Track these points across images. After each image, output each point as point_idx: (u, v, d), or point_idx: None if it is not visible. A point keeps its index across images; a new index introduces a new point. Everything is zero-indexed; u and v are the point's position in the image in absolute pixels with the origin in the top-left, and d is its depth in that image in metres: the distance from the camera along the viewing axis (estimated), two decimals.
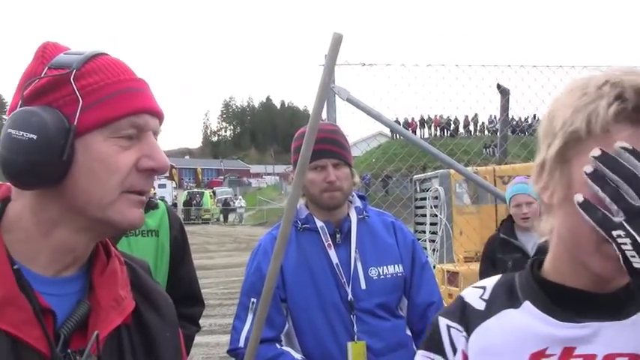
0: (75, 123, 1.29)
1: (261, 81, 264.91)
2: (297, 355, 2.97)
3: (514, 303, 1.43)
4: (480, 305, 1.48)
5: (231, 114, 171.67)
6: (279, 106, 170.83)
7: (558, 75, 6.30)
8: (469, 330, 1.46)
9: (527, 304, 1.41)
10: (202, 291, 3.56)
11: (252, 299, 3.04)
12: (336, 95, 4.71)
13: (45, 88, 1.32)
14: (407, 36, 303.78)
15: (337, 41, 3.12)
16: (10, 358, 1.25)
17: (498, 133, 10.26)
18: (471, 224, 8.59)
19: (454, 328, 1.48)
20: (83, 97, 1.30)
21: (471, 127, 45.06)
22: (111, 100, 1.33)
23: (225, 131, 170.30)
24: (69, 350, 1.33)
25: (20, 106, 1.31)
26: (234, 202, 55.15)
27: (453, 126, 39.43)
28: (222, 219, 53.70)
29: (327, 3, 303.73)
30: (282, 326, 3.03)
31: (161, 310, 1.56)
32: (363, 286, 3.01)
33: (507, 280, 1.51)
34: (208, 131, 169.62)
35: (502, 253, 5.52)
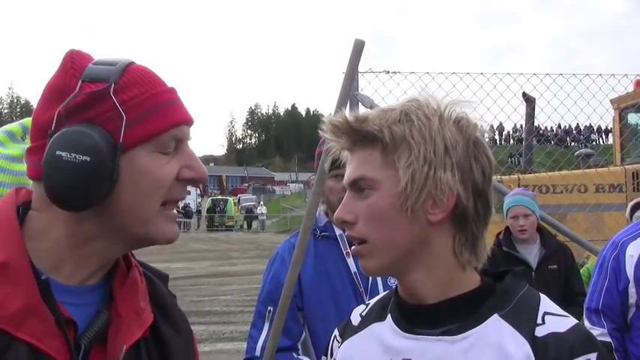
0: (121, 140, 1.28)
1: (286, 88, 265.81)
2: None
3: (382, 316, 1.58)
4: (357, 321, 1.67)
5: (256, 121, 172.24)
6: (304, 114, 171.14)
7: (585, 83, 6.23)
8: (343, 342, 1.66)
9: (388, 317, 1.55)
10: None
11: (269, 307, 3.02)
12: (360, 103, 4.66)
13: (84, 103, 1.29)
14: (432, 44, 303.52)
15: (359, 48, 3.10)
16: None
17: (523, 142, 10.17)
18: (496, 233, 8.51)
19: (336, 338, 1.70)
20: (126, 113, 1.29)
21: (496, 136, 44.86)
22: (153, 114, 1.32)
23: (250, 139, 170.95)
24: None
25: (57, 122, 1.28)
26: (257, 209, 55.20)
27: None
28: (245, 226, 53.82)
29: (354, 11, 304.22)
30: (299, 335, 3.00)
31: (177, 324, 1.54)
32: None
33: (389, 295, 1.64)
34: (233, 139, 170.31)
35: (505, 266, 5.38)
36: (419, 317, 1.48)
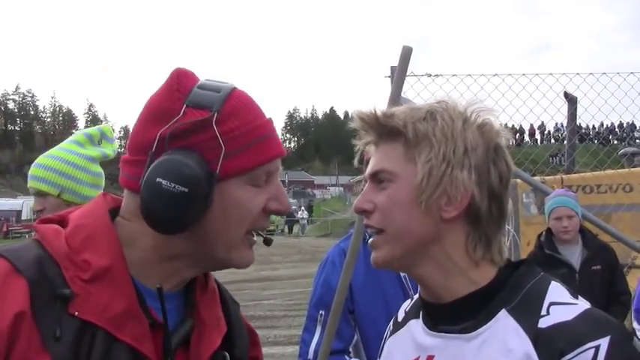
0: (217, 171, 1.32)
1: (324, 92, 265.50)
2: None
3: (418, 314, 1.63)
4: (401, 316, 1.73)
5: (295, 125, 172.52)
6: (342, 117, 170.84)
7: (629, 82, 6.16)
8: (390, 337, 1.73)
9: (421, 314, 1.60)
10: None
11: (321, 312, 3.06)
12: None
13: (187, 131, 1.33)
14: (473, 46, 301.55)
15: (407, 54, 3.12)
16: None
17: (566, 142, 10.07)
18: (537, 235, 8.45)
19: (386, 334, 1.76)
20: (225, 144, 1.32)
21: (537, 136, 44.29)
22: (251, 148, 1.36)
23: (290, 143, 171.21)
24: None
25: (158, 144, 1.32)
26: (297, 214, 55.20)
27: (518, 135, 38.71)
28: (286, 230, 53.89)
29: (391, 14, 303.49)
30: (351, 338, 3.03)
31: (242, 333, 1.59)
32: None
33: None
34: None
35: (547, 269, 5.29)
36: (439, 315, 1.52)
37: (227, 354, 1.45)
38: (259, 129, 1.39)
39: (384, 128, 1.51)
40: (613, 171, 8.67)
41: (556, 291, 1.47)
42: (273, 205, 1.41)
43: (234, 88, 1.42)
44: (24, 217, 45.27)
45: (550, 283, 1.50)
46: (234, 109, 1.37)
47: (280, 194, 1.43)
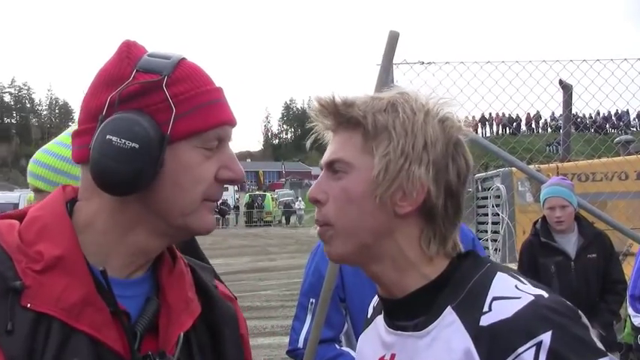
0: (169, 132, 1.31)
1: (321, 82, 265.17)
2: None
3: (382, 309, 1.58)
4: (369, 313, 1.71)
5: (291, 116, 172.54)
6: None
7: (623, 68, 6.14)
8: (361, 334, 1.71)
9: (384, 310, 1.56)
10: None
11: (311, 300, 3.04)
12: None
13: (137, 92, 1.32)
14: (466, 33, 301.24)
15: (393, 39, 3.10)
16: (92, 359, 1.26)
17: (561, 130, 10.06)
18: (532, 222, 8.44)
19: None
20: (175, 106, 1.31)
21: (533, 124, 44.33)
22: (200, 111, 1.35)
23: (286, 133, 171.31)
24: (149, 352, 1.33)
25: (109, 107, 1.31)
26: (294, 204, 55.35)
27: (514, 124, 38.72)
28: (283, 221, 53.98)
29: (388, 2, 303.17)
30: (342, 326, 3.01)
31: (220, 308, 1.55)
32: None
33: None
34: (269, 134, 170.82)
35: (544, 257, 5.39)
36: (395, 312, 1.50)
37: (182, 334, 1.40)
38: (209, 93, 1.38)
39: (342, 117, 1.47)
40: (608, 159, 8.66)
41: (500, 284, 1.39)
42: (225, 173, 1.39)
43: (185, 58, 1.41)
44: None
45: (496, 274, 1.42)
46: (184, 74, 1.36)
47: (231, 162, 1.41)
